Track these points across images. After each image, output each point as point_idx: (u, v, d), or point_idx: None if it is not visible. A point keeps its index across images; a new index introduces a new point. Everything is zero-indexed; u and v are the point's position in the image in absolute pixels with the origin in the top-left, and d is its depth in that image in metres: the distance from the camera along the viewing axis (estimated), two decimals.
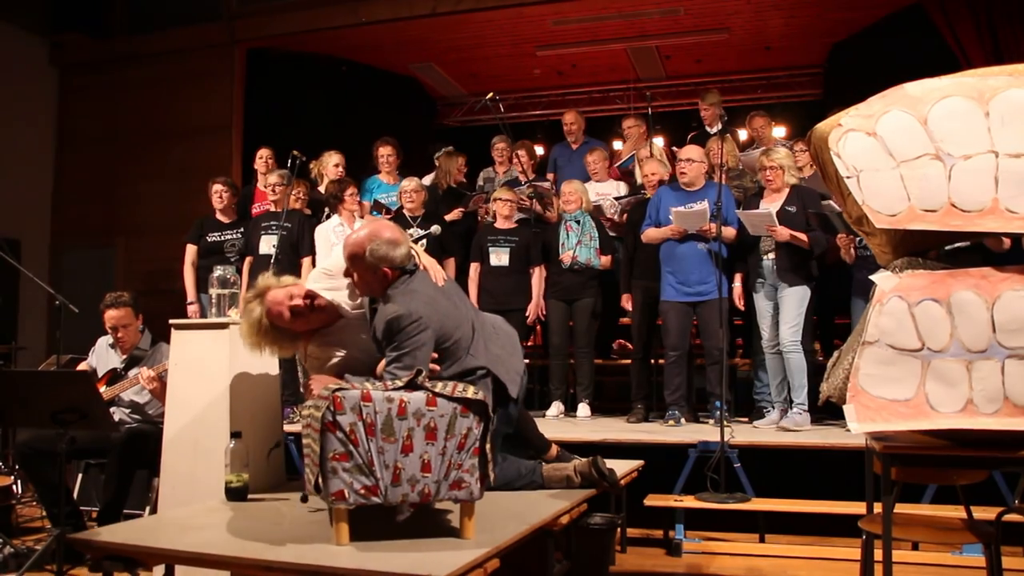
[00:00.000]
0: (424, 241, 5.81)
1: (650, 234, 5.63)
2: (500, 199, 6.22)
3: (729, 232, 5.41)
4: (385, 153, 6.86)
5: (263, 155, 6.92)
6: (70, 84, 9.25)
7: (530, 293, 6.10)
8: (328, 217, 6.23)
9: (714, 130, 6.81)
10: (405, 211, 6.21)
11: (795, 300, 5.20)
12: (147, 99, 8.81)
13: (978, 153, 2.59)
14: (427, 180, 6.99)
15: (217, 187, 6.46)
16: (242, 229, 6.39)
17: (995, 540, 2.82)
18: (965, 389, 2.52)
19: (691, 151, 5.72)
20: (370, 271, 3.08)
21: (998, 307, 2.52)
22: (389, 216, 6.54)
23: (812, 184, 5.63)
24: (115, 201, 8.86)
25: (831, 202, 4.90)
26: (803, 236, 5.17)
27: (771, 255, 5.32)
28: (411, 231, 5.80)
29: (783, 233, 5.17)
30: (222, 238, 6.38)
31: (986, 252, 4.10)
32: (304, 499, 3.04)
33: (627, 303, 6.02)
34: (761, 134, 6.74)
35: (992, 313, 2.52)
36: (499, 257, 6.07)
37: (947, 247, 3.18)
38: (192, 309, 6.26)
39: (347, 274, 3.19)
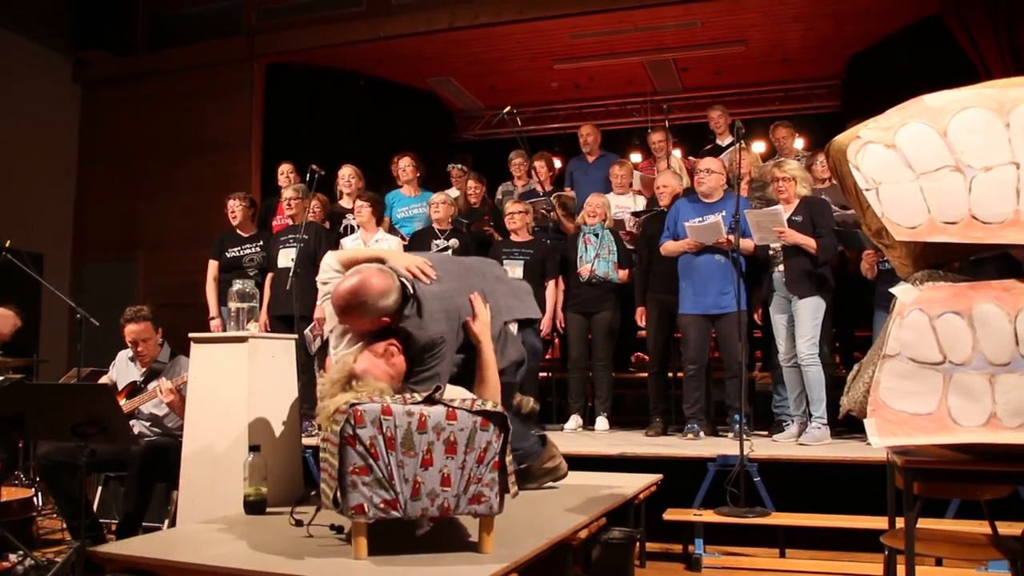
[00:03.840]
0: (448, 253, 5.85)
1: (668, 247, 5.62)
2: (511, 213, 6.17)
3: (747, 244, 5.33)
4: (404, 164, 6.88)
5: (284, 170, 6.96)
6: (93, 100, 9.40)
7: (545, 306, 6.07)
8: (349, 230, 6.28)
9: (725, 142, 6.80)
10: (433, 223, 6.24)
11: (808, 312, 5.12)
12: (168, 114, 8.94)
13: (999, 164, 2.56)
14: (454, 192, 7.01)
15: (230, 203, 6.48)
16: (261, 243, 6.43)
17: (1021, 556, 2.78)
18: (988, 403, 2.49)
19: (710, 162, 5.71)
20: (364, 324, 3.02)
21: (1021, 319, 2.48)
22: (405, 243, 6.39)
23: (831, 196, 5.60)
24: (136, 215, 8.98)
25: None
26: (811, 241, 5.11)
27: (780, 267, 5.27)
28: (436, 242, 5.81)
29: (790, 235, 5.10)
30: (240, 252, 6.41)
31: (1010, 262, 4.06)
32: (298, 523, 3.00)
33: (641, 319, 6.01)
34: (783, 145, 6.69)
35: (1015, 326, 2.49)
36: (513, 270, 5.98)
37: (970, 258, 3.15)
38: (215, 324, 6.28)
39: (341, 322, 3.12)
